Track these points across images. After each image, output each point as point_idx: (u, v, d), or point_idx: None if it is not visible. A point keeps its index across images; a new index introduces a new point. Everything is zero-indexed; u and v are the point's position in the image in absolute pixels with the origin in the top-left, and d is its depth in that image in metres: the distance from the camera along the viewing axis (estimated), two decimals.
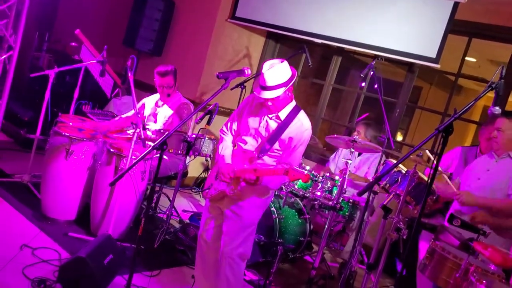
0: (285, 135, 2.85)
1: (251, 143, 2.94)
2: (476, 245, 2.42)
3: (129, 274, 2.41)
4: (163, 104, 4.51)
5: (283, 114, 2.88)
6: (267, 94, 2.75)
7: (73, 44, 6.37)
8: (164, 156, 4.35)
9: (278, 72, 2.74)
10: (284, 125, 2.85)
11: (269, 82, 2.73)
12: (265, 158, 2.90)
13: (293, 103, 2.92)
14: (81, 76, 4.86)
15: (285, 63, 2.79)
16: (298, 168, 2.64)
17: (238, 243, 2.91)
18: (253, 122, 2.94)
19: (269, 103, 2.81)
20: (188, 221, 4.60)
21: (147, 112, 4.59)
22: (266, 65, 2.77)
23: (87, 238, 3.71)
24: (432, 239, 2.67)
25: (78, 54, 6.05)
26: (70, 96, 4.80)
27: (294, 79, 2.79)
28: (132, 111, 4.38)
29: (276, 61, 2.78)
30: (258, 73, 5.14)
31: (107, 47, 4.51)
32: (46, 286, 2.90)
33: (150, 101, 4.62)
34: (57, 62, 6.32)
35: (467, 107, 2.27)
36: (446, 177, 3.34)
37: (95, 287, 2.84)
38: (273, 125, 2.88)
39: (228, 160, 2.94)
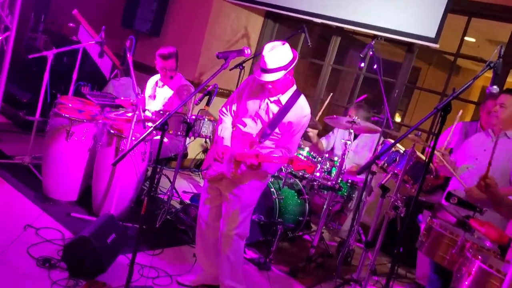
0: (285, 120, 2.86)
1: (250, 125, 2.94)
2: (472, 222, 2.46)
3: (133, 252, 2.46)
4: (163, 85, 4.52)
5: (284, 98, 2.87)
6: (267, 77, 2.74)
7: (71, 24, 6.33)
8: (164, 139, 4.39)
9: (279, 54, 2.72)
10: (284, 110, 2.85)
11: (270, 65, 2.72)
12: (265, 141, 2.92)
13: (294, 88, 2.92)
14: (79, 57, 4.84)
15: (287, 45, 2.77)
16: (302, 158, 2.68)
17: (238, 224, 2.94)
18: (253, 104, 2.94)
19: (269, 86, 2.81)
20: (189, 201, 4.65)
21: (147, 92, 4.61)
22: (267, 47, 2.75)
23: (90, 218, 3.75)
24: (429, 217, 2.71)
25: (75, 35, 6.01)
26: (68, 77, 4.79)
27: (295, 62, 2.78)
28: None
29: (277, 43, 2.76)
30: (257, 54, 5.13)
31: (105, 27, 4.48)
32: (50, 265, 2.95)
33: (151, 82, 4.65)
34: (53, 43, 6.29)
35: (465, 86, 2.29)
36: (440, 156, 3.34)
37: (98, 265, 2.89)
38: (274, 109, 2.88)
39: (227, 142, 2.94)
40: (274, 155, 2.81)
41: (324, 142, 4.99)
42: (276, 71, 2.72)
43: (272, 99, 2.88)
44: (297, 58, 2.81)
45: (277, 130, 2.88)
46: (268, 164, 2.82)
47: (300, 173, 4.33)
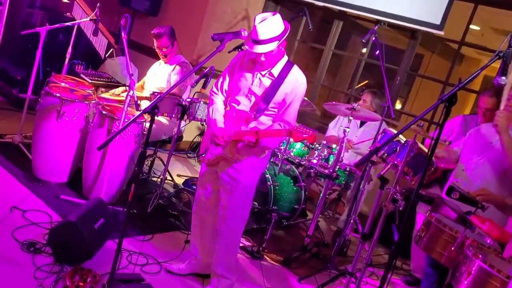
0: (280, 92, 2.75)
1: (244, 103, 2.83)
2: (474, 218, 2.37)
3: (119, 240, 2.36)
4: (164, 65, 4.51)
5: (276, 70, 2.77)
6: (260, 49, 2.64)
7: (65, 0, 6.17)
8: (165, 120, 4.29)
9: (271, 25, 2.62)
10: (278, 82, 2.75)
11: (262, 36, 2.61)
12: (261, 117, 2.81)
13: (285, 58, 2.81)
14: (73, 35, 4.71)
15: (278, 15, 2.66)
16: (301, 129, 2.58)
17: (237, 207, 2.85)
18: (245, 80, 2.83)
19: (262, 58, 2.70)
20: (182, 186, 4.55)
21: (150, 75, 4.60)
22: (258, 18, 2.64)
23: (79, 201, 3.65)
24: (429, 211, 2.62)
25: (70, 11, 5.84)
26: (64, 55, 4.67)
27: (287, 33, 2.68)
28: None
29: (268, 14, 2.66)
30: None
31: (99, 4, 4.35)
32: (36, 249, 2.85)
33: (155, 65, 4.66)
34: (50, 19, 6.12)
35: (472, 76, 2.17)
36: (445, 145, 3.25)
37: (85, 251, 2.80)
38: (266, 82, 2.77)
39: (221, 124, 2.84)
40: (272, 129, 2.72)
41: (333, 132, 4.83)
42: (269, 42, 2.62)
43: (263, 72, 2.78)
44: (289, 29, 2.71)
45: (272, 104, 2.78)
46: (268, 139, 2.73)
47: (297, 160, 4.23)
